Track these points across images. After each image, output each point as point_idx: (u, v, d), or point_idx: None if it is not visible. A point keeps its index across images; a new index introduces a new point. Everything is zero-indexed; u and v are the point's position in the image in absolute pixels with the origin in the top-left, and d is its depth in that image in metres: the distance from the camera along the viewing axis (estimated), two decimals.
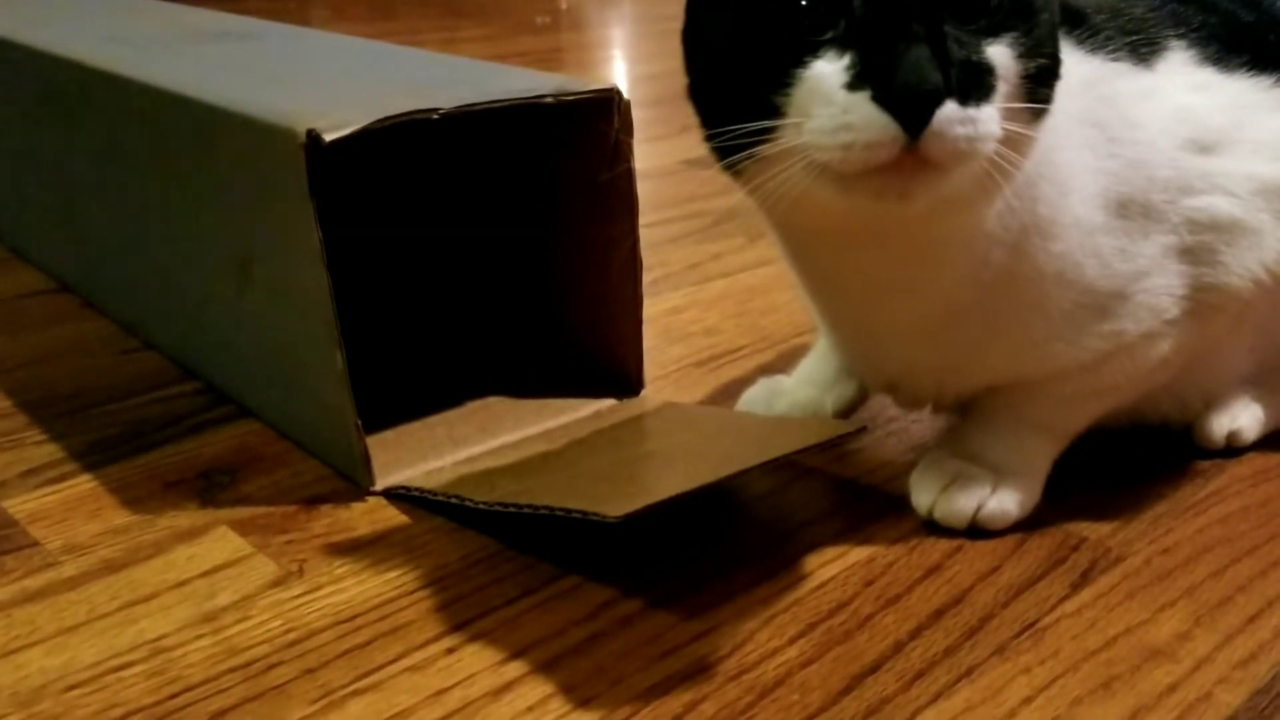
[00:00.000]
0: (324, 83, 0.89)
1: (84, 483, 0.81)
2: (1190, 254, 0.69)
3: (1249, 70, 0.72)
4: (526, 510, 0.69)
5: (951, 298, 0.68)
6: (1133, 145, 0.68)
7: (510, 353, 0.97)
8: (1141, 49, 0.70)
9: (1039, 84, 0.60)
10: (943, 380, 0.75)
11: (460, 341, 1.00)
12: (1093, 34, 0.69)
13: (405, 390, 0.92)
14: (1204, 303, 0.71)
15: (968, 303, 0.68)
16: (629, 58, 2.70)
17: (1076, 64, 0.66)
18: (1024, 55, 0.59)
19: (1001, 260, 0.66)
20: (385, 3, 3.64)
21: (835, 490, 0.80)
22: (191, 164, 0.87)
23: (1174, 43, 0.71)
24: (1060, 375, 0.72)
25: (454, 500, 0.75)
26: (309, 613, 0.67)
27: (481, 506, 0.72)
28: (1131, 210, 0.67)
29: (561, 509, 0.66)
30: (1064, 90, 0.63)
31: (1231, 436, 0.83)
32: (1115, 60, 0.69)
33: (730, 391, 0.95)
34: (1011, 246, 0.66)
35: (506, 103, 0.77)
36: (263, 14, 1.50)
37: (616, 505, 0.64)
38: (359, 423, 0.77)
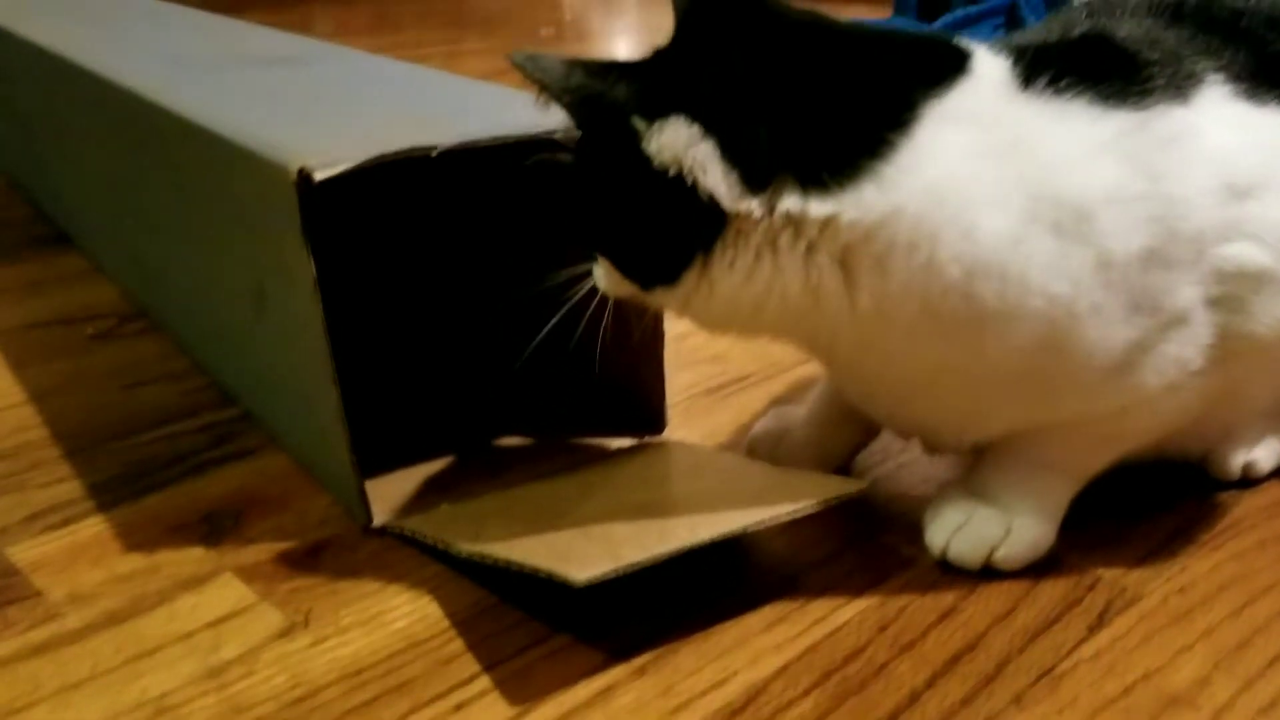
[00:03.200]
0: (340, 114, 0.87)
1: (87, 527, 0.80)
2: (1217, 304, 0.66)
3: None
4: (500, 565, 0.67)
5: (932, 367, 0.67)
6: (1157, 200, 0.64)
7: (538, 388, 0.95)
8: (1176, 84, 0.66)
9: None
10: (962, 429, 0.74)
11: (487, 375, 0.99)
12: (1122, 82, 0.66)
13: (428, 429, 0.91)
14: (1230, 350, 0.68)
15: (956, 369, 0.67)
16: None
17: (1087, 126, 0.64)
18: None
19: (972, 342, 0.64)
20: (390, 15, 3.63)
21: (849, 524, 0.78)
22: (212, 190, 0.87)
23: (1210, 75, 0.68)
24: (1078, 423, 0.70)
25: (440, 546, 0.73)
26: (315, 667, 0.66)
27: (463, 555, 0.71)
28: (1153, 264, 0.64)
29: (530, 566, 0.65)
30: (1040, 161, 0.63)
31: (1247, 468, 0.82)
32: (1141, 109, 0.65)
33: (739, 421, 0.94)
34: (966, 332, 0.64)
35: (510, 139, 0.75)
36: (265, 26, 1.49)
37: (585, 567, 0.63)
38: (355, 460, 0.76)
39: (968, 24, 2.21)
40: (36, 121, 1.42)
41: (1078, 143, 0.63)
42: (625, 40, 3.28)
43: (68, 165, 1.33)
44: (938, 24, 2.21)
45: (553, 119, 0.69)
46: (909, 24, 2.54)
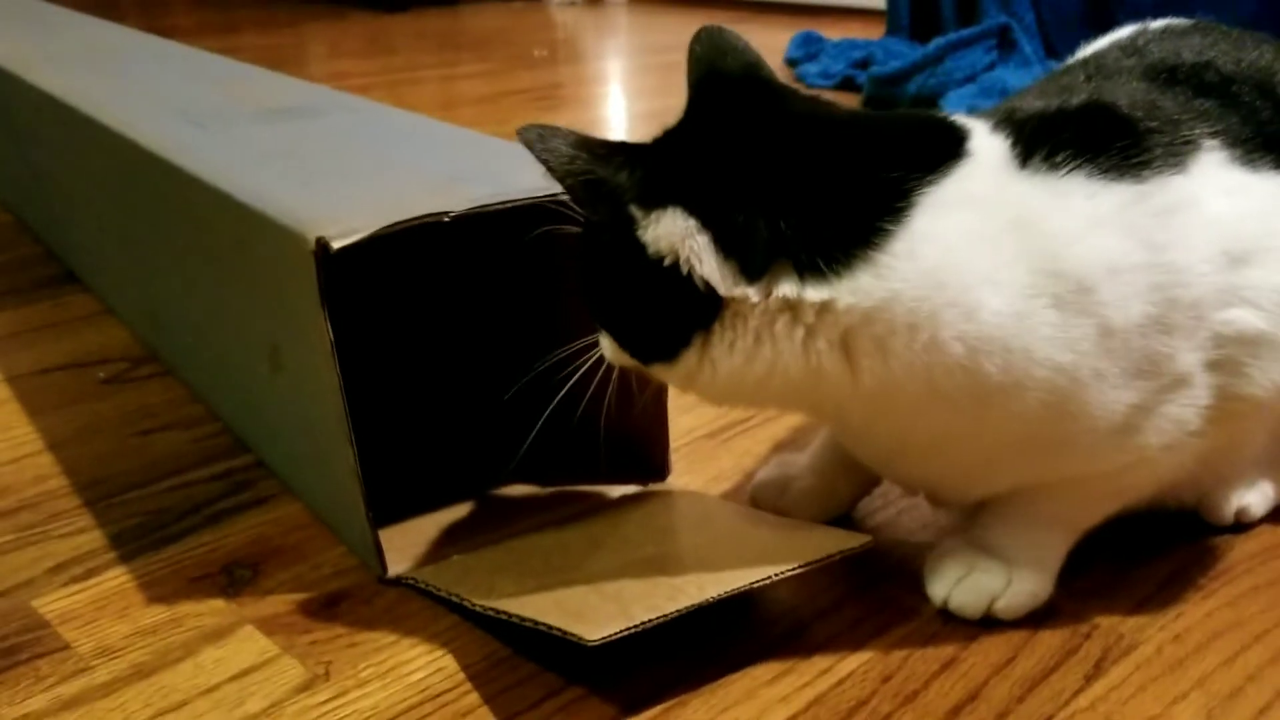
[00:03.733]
0: (352, 176, 0.90)
1: (110, 579, 0.82)
2: (1216, 367, 0.68)
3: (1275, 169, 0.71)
4: (515, 620, 0.70)
5: (937, 435, 0.70)
6: (1157, 270, 0.66)
7: (543, 435, 0.97)
8: (1174, 151, 0.68)
9: None
10: (967, 486, 0.77)
11: (495, 422, 1.01)
12: (1121, 154, 0.67)
13: (435, 476, 0.94)
14: (1227, 411, 0.70)
15: (961, 435, 0.70)
16: (627, 92, 2.72)
17: (1085, 201, 0.66)
18: None
19: (977, 412, 0.67)
20: (383, 36, 3.65)
21: (851, 573, 0.81)
22: (227, 250, 0.90)
23: (1206, 142, 0.70)
24: (1079, 480, 0.73)
25: (454, 599, 0.76)
26: None
27: (477, 609, 0.73)
28: (1154, 330, 0.66)
29: (544, 624, 0.68)
30: (1047, 233, 0.65)
31: (1240, 513, 0.85)
32: (1141, 181, 0.67)
33: (742, 465, 0.96)
34: (971, 403, 0.67)
35: (521, 202, 0.78)
36: (259, 50, 1.52)
37: (597, 626, 0.66)
38: (370, 515, 0.79)
39: (961, 46, 2.24)
40: (46, 166, 1.44)
41: (1077, 218, 0.65)
42: (618, 61, 3.31)
43: (77, 210, 1.36)
44: (931, 46, 2.24)
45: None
46: (903, 45, 2.57)
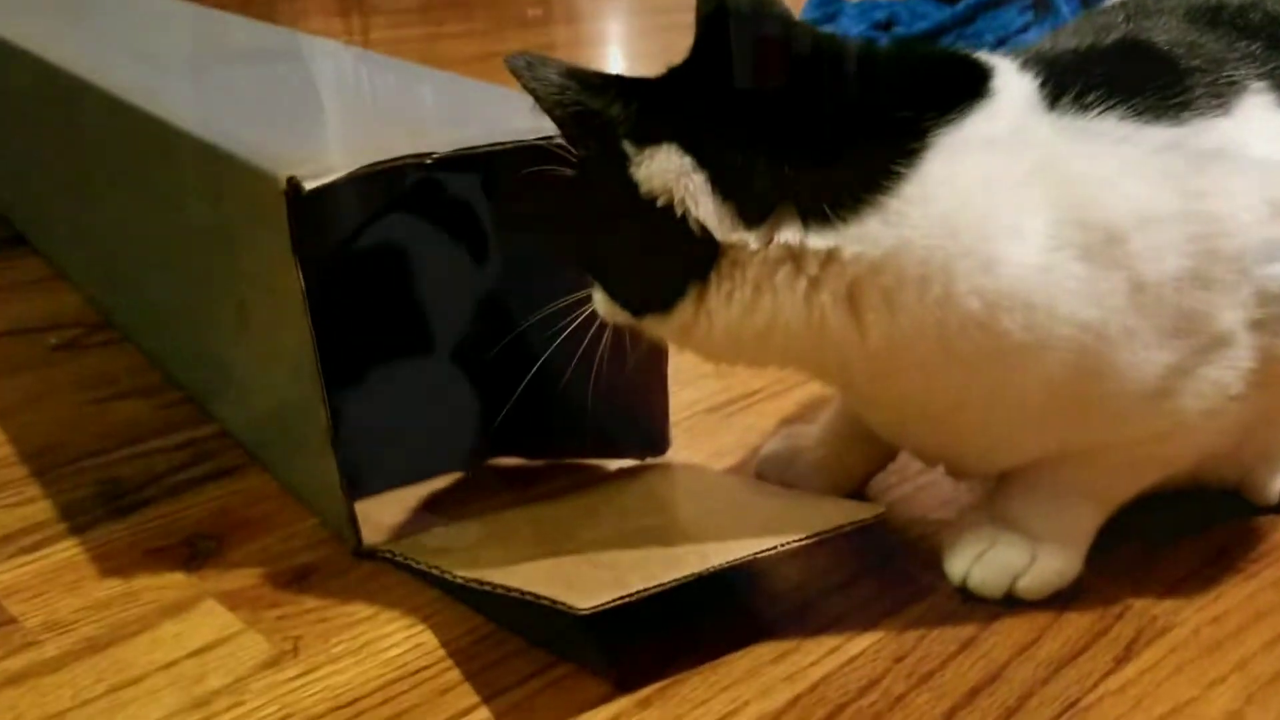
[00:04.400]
0: (331, 118, 0.90)
1: (61, 550, 0.83)
2: (1260, 326, 0.68)
3: None
4: (499, 591, 0.70)
5: (953, 398, 0.70)
6: (1195, 219, 0.66)
7: (534, 406, 0.98)
8: (1217, 93, 0.68)
9: None
10: (989, 456, 0.77)
11: (491, 395, 1.01)
12: (1159, 96, 0.67)
13: (419, 448, 0.94)
14: (1273, 375, 0.70)
15: (979, 400, 0.70)
16: (626, 55, 2.72)
17: (1117, 145, 0.66)
18: None
19: (997, 374, 0.67)
20: None
21: (864, 550, 0.81)
22: (191, 199, 0.91)
23: (1252, 84, 0.69)
24: (1110, 448, 0.73)
25: (434, 572, 0.76)
26: (306, 697, 0.69)
27: (459, 581, 0.74)
28: (1191, 285, 0.66)
29: (531, 594, 0.68)
30: (1078, 180, 0.65)
31: None
32: (1179, 124, 0.67)
33: (746, 441, 0.96)
34: (989, 364, 0.67)
35: (507, 145, 0.78)
36: (232, 9, 1.52)
37: (589, 594, 0.66)
38: (345, 481, 0.79)
39: (993, 6, 2.24)
40: None
41: (1108, 163, 0.65)
42: (617, 21, 3.31)
43: (28, 164, 1.36)
44: (960, 6, 2.24)
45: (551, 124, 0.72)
46: (929, 6, 2.58)
